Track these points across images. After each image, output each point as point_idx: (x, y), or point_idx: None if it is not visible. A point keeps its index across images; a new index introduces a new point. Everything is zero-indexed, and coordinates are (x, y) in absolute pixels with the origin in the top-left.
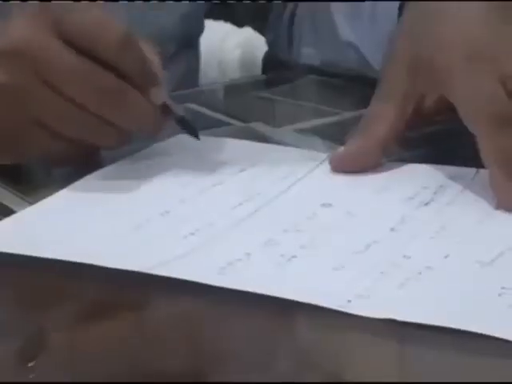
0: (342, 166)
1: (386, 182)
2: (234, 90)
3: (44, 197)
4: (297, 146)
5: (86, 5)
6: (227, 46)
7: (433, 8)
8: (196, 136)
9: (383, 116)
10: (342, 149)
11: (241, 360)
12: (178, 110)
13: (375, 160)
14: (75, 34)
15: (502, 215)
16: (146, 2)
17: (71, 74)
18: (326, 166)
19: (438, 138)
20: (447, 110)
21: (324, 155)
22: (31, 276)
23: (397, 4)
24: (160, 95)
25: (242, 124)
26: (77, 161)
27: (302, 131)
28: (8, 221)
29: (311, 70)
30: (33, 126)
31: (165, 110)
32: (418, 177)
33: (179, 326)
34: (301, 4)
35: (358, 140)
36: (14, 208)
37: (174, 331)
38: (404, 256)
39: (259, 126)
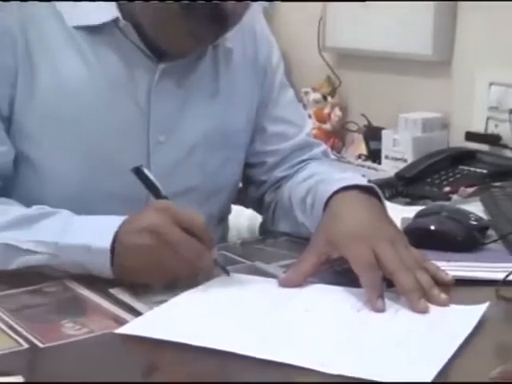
0: (284, 285)
1: (342, 296)
2: (244, 244)
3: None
4: (280, 275)
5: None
6: (241, 219)
7: (339, 212)
8: (228, 274)
9: (309, 260)
10: (283, 275)
11: None
12: (221, 262)
13: (301, 283)
14: (182, 221)
15: (402, 315)
16: (197, 206)
17: (180, 242)
18: (312, 287)
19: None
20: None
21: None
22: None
23: (322, 206)
24: (215, 253)
25: (250, 263)
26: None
27: (283, 266)
28: (150, 314)
29: (285, 234)
30: (163, 272)
31: (214, 260)
32: (359, 295)
33: None
34: (279, 201)
35: (292, 271)
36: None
37: None
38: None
39: (259, 264)
